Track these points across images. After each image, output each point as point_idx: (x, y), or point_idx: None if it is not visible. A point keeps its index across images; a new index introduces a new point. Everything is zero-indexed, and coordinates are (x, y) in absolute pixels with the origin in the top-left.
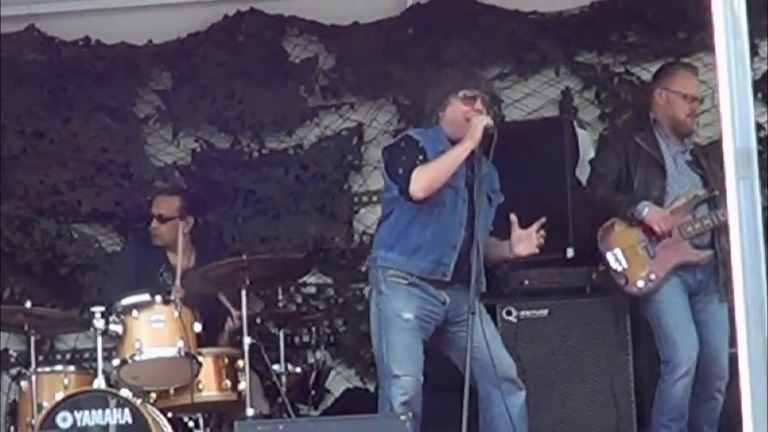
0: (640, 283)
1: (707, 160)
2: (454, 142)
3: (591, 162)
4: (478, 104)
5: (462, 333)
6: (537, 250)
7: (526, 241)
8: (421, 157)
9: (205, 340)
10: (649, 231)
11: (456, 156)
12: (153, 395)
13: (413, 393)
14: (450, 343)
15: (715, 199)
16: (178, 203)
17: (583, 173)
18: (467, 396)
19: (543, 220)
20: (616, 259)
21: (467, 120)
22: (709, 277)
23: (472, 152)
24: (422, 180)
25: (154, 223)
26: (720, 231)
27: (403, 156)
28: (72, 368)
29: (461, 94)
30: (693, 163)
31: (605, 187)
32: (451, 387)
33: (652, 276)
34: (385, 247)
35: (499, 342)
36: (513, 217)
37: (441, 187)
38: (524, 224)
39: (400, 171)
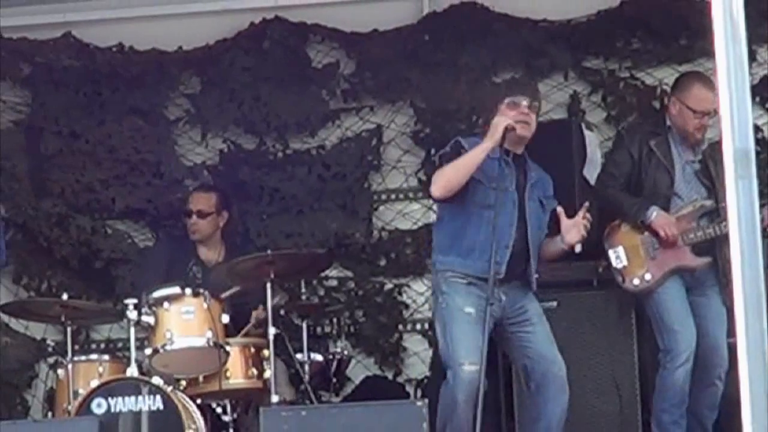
0: (636, 281)
1: (716, 167)
2: (506, 150)
3: (605, 158)
4: (523, 108)
5: (520, 333)
6: (585, 234)
7: (574, 228)
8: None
9: (232, 330)
10: (653, 234)
11: (474, 156)
12: (183, 383)
13: (477, 385)
14: (509, 342)
15: (719, 211)
16: (215, 199)
17: (589, 173)
18: (482, 391)
19: (587, 204)
20: (617, 256)
21: (518, 123)
22: (706, 276)
23: (520, 156)
24: (439, 180)
25: (193, 219)
26: (722, 240)
27: (443, 159)
28: (106, 357)
29: (507, 100)
30: (701, 172)
31: (614, 187)
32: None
33: (648, 276)
34: (443, 252)
35: (553, 343)
36: (560, 209)
37: (489, 191)
38: (570, 214)
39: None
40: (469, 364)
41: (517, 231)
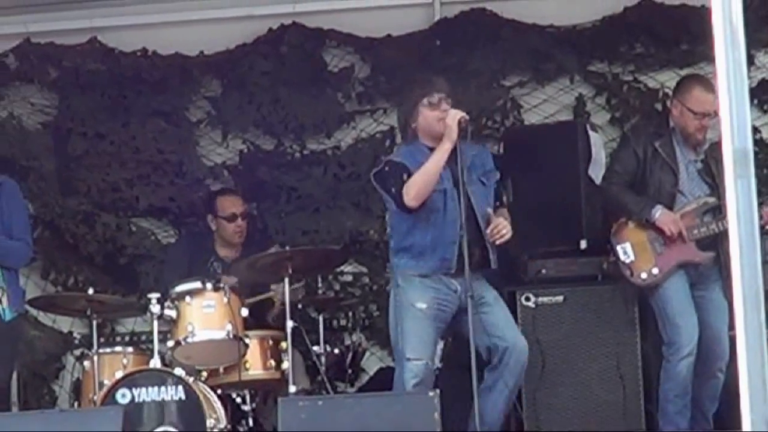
0: (644, 276)
1: (717, 166)
2: (433, 150)
3: (611, 157)
4: (444, 105)
5: (480, 316)
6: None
7: (493, 230)
8: (405, 175)
9: (251, 323)
10: (658, 231)
11: (438, 159)
12: (204, 374)
13: (424, 376)
14: (467, 326)
15: (722, 207)
16: (242, 200)
17: (594, 172)
18: (475, 373)
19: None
20: (625, 252)
21: (440, 120)
22: (710, 270)
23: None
24: (412, 190)
25: (239, 222)
26: (724, 236)
27: (391, 179)
28: (130, 349)
29: (425, 101)
30: (704, 171)
31: (619, 185)
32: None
33: (655, 270)
34: (397, 256)
35: (511, 321)
36: (490, 211)
37: (432, 193)
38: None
39: (393, 190)
40: (415, 359)
41: (467, 222)
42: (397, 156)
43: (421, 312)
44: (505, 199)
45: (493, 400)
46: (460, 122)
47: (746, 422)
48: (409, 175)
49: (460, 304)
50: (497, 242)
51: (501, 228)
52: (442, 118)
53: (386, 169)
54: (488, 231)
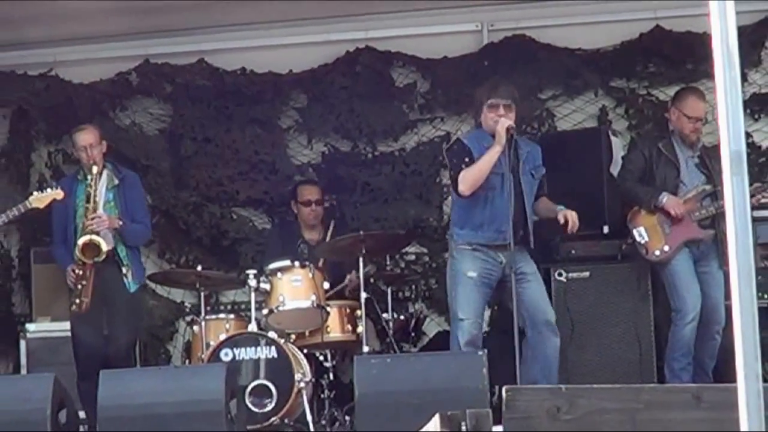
0: (657, 253)
1: (711, 161)
2: (494, 136)
3: (622, 159)
4: (501, 110)
5: (518, 289)
6: (570, 229)
7: (568, 223)
8: (466, 159)
9: (331, 293)
10: (666, 214)
11: (489, 159)
12: (293, 336)
13: (473, 333)
14: (508, 294)
15: (717, 193)
16: (319, 190)
17: (615, 170)
18: (517, 335)
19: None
20: (640, 234)
21: (494, 122)
22: (709, 248)
23: (510, 140)
24: (466, 182)
25: (313, 207)
26: (720, 216)
27: (454, 159)
28: (232, 316)
29: (488, 103)
30: (700, 164)
31: (631, 180)
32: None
33: (666, 248)
34: (458, 225)
35: (545, 296)
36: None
37: (489, 176)
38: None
39: (451, 173)
40: (465, 319)
41: (515, 204)
42: (466, 137)
43: (471, 280)
44: (545, 188)
45: (530, 366)
46: (508, 130)
47: (740, 377)
48: (470, 158)
49: (503, 274)
50: (572, 230)
51: (575, 218)
52: (496, 120)
53: (455, 147)
54: (570, 225)
